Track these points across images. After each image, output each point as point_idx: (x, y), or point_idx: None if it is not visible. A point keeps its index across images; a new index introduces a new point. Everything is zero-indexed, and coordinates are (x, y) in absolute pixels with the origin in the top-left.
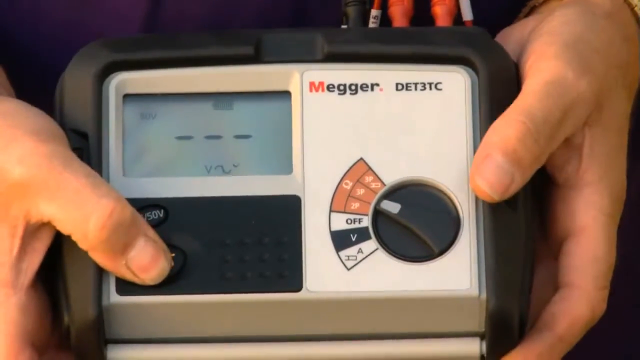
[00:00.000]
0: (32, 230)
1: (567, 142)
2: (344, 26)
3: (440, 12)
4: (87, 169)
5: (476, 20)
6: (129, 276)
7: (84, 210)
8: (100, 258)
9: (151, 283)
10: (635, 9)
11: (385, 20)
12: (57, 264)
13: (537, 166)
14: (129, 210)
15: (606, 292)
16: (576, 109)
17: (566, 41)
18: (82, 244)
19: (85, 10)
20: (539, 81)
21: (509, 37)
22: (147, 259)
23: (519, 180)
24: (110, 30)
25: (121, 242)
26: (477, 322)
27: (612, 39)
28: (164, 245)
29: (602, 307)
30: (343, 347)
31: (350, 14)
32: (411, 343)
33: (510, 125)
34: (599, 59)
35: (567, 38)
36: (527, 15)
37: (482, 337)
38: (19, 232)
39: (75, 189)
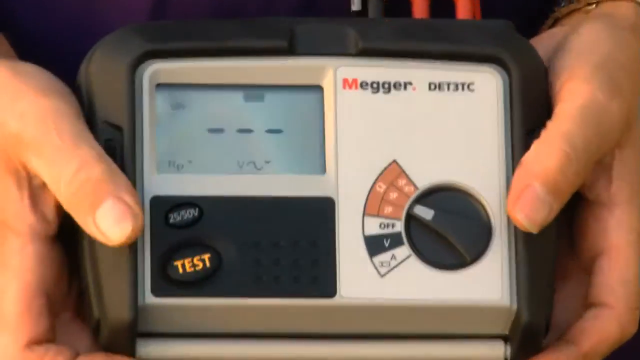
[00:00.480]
0: (39, 184)
1: (597, 162)
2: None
3: None
4: (78, 127)
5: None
6: (95, 234)
7: (58, 166)
8: (72, 213)
9: (114, 244)
10: None
11: None
12: (89, 257)
13: (573, 192)
14: (101, 168)
15: (637, 313)
16: (610, 133)
17: (595, 61)
18: (60, 201)
19: (93, 2)
20: (575, 104)
21: (537, 47)
22: (111, 220)
23: (556, 210)
24: (117, 21)
25: (89, 199)
26: (503, 326)
27: (637, 54)
28: (137, 211)
29: (632, 327)
30: (366, 347)
31: None
32: (436, 344)
33: (552, 153)
34: (626, 78)
35: (596, 58)
36: (551, 27)
37: (505, 339)
38: (25, 183)
39: (57, 146)
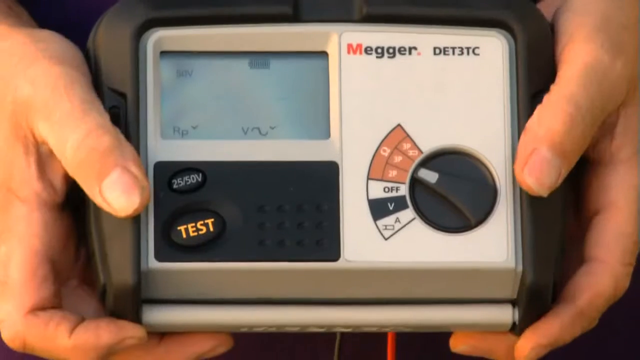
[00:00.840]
0: (47, 151)
1: (602, 121)
2: None
3: None
4: (89, 95)
5: None
6: (101, 204)
7: (66, 131)
8: (79, 180)
9: (120, 215)
10: None
11: None
12: (94, 223)
13: (581, 154)
14: (109, 138)
15: (631, 269)
16: (614, 92)
17: (595, 22)
18: (64, 165)
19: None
20: (578, 66)
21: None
22: (118, 190)
23: (565, 172)
24: None
25: (96, 168)
26: (511, 290)
27: (637, 11)
28: (144, 183)
29: (625, 283)
30: (372, 312)
31: None
32: (445, 309)
33: (556, 116)
34: (628, 36)
35: (595, 18)
36: None
37: (513, 303)
38: (32, 149)
39: (67, 111)
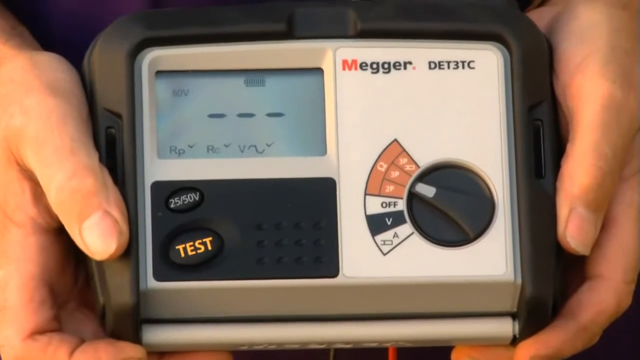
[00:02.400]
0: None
1: None
2: None
3: None
4: (80, 131)
5: None
6: (80, 244)
7: (52, 169)
8: (60, 218)
9: (97, 258)
10: None
11: None
12: None
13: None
14: (93, 180)
15: (633, 286)
16: (632, 127)
17: (603, 51)
18: (49, 201)
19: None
20: (595, 109)
21: None
22: (97, 233)
23: (600, 222)
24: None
25: (77, 209)
26: (511, 303)
27: (634, 32)
28: (123, 228)
29: (628, 300)
30: (372, 328)
31: None
32: (445, 323)
33: (586, 172)
34: (631, 63)
35: (601, 46)
36: (539, 6)
37: (513, 316)
38: (27, 175)
39: (56, 148)
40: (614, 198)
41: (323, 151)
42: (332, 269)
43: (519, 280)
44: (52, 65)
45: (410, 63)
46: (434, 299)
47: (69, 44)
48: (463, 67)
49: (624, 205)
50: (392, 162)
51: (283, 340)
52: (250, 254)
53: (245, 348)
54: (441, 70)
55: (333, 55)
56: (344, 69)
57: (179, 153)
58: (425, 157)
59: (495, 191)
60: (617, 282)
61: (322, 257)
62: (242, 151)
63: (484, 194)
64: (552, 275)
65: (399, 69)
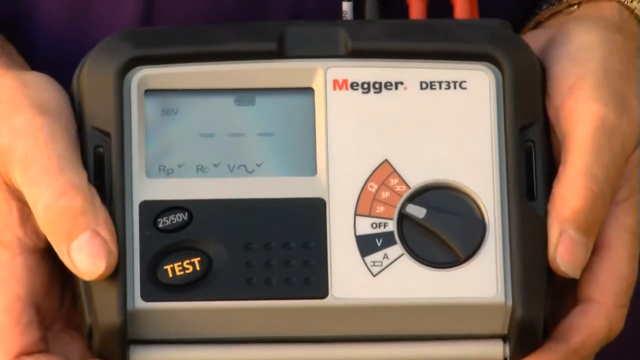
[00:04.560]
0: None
1: None
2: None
3: None
4: (68, 151)
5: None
6: (68, 265)
7: (40, 188)
8: (48, 238)
9: (86, 279)
10: (636, 11)
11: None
12: None
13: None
14: (81, 199)
15: (625, 310)
16: (625, 150)
17: (596, 74)
18: (37, 220)
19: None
20: (587, 132)
21: None
22: (85, 253)
23: (591, 245)
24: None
25: (65, 229)
26: (501, 325)
27: (629, 55)
28: (112, 248)
29: (619, 324)
30: (361, 350)
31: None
32: (435, 345)
33: (577, 195)
34: (625, 86)
35: (594, 69)
36: (533, 28)
37: (504, 339)
38: (14, 195)
39: (43, 167)
40: (606, 221)
41: (313, 171)
42: (321, 290)
43: (510, 303)
44: (40, 84)
45: (401, 83)
46: (424, 321)
47: (57, 63)
48: (455, 88)
49: (617, 229)
50: (383, 183)
51: None
52: (239, 274)
53: None
54: (433, 91)
55: (324, 74)
56: (334, 88)
57: (168, 172)
58: (416, 178)
59: (486, 212)
60: (608, 306)
61: (312, 278)
62: (231, 171)
63: (475, 215)
64: (543, 298)
65: (390, 89)
